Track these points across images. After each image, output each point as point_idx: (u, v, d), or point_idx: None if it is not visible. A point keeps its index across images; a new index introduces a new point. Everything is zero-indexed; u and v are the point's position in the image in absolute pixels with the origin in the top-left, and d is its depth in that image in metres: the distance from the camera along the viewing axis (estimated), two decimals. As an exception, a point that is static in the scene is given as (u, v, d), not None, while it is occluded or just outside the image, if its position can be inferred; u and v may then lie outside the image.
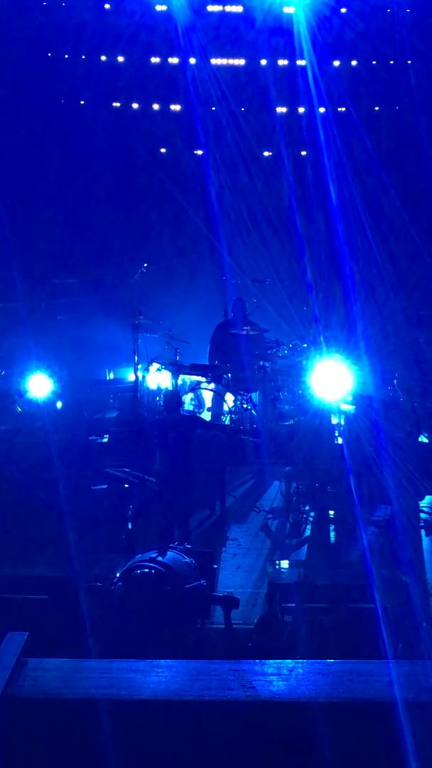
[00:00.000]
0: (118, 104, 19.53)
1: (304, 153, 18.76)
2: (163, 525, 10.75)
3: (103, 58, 18.88)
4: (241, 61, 18.80)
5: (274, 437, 13.99)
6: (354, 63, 18.75)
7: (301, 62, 18.04)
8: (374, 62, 18.75)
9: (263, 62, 18.65)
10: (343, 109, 18.64)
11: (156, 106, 19.67)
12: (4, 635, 6.95)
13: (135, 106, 19.61)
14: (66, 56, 18.80)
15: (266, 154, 19.54)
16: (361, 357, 14.74)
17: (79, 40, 18.28)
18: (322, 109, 18.59)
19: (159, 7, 17.54)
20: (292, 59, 18.26)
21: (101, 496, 11.93)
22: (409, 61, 18.35)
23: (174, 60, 18.71)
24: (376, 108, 19.30)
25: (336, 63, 18.61)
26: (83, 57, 18.85)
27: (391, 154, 18.60)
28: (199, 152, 19.07)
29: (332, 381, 13.51)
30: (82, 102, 19.20)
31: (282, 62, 18.62)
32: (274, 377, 14.64)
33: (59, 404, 14.86)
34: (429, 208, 18.20)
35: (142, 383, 14.94)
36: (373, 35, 18.09)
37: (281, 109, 19.18)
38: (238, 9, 17.88)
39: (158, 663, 6.71)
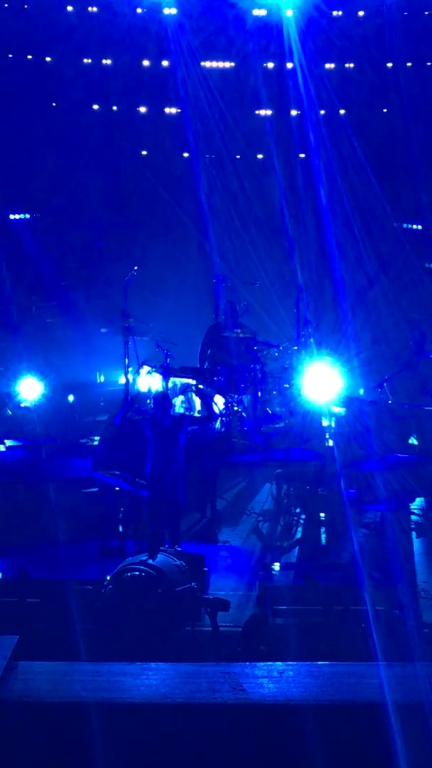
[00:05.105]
0: (107, 107, 19.52)
1: (294, 156, 18.76)
2: (153, 528, 10.75)
3: (87, 60, 18.82)
4: (231, 64, 18.80)
5: (265, 440, 14.02)
6: (347, 66, 18.78)
7: (289, 65, 18.05)
8: (366, 66, 18.77)
9: (254, 65, 18.66)
10: (335, 112, 18.66)
11: (143, 109, 19.64)
12: (-5, 638, 6.94)
13: (123, 109, 19.60)
14: (48, 59, 18.77)
15: (257, 156, 19.54)
16: (352, 359, 14.80)
17: (63, 43, 18.26)
18: (323, 112, 18.62)
19: (140, 10, 17.58)
20: (282, 62, 18.28)
21: (92, 498, 11.94)
22: (409, 63, 18.39)
23: (165, 63, 18.73)
24: (368, 111, 19.33)
25: (330, 66, 18.63)
26: (70, 60, 18.82)
27: (382, 158, 18.63)
28: (187, 155, 19.08)
29: (323, 383, 13.56)
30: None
31: (271, 65, 18.63)
32: (265, 380, 14.65)
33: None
34: (419, 212, 18.24)
35: (132, 386, 14.95)
36: (365, 39, 18.12)
37: (271, 112, 19.19)
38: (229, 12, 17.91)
39: (148, 666, 6.70)
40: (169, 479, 10.71)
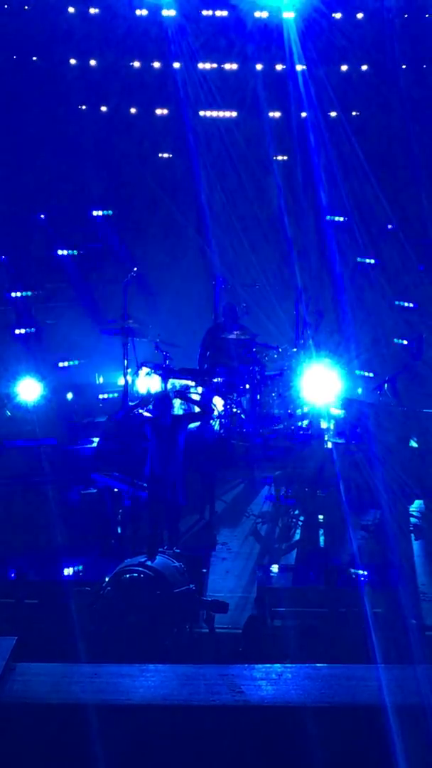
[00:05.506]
0: (108, 108, 19.50)
1: (294, 157, 18.75)
2: (152, 529, 10.74)
3: (73, 61, 18.79)
4: (234, 66, 18.77)
5: (264, 441, 14.02)
6: (362, 68, 18.77)
7: (299, 67, 18.04)
8: (366, 67, 18.76)
9: (257, 66, 18.64)
10: (340, 113, 18.63)
11: (134, 110, 19.59)
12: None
13: (122, 110, 19.56)
14: (47, 60, 18.74)
15: (259, 158, 19.52)
16: (351, 361, 14.81)
17: (65, 44, 18.26)
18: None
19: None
20: (284, 63, 18.26)
21: (91, 500, 11.93)
22: (403, 66, 18.36)
23: (164, 64, 18.72)
24: (368, 113, 19.31)
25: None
26: (70, 61, 18.81)
27: (381, 158, 18.61)
28: (187, 156, 19.06)
29: (322, 385, 13.57)
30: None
31: (277, 67, 18.60)
32: (264, 381, 14.65)
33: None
34: (419, 213, 18.22)
35: (131, 387, 14.94)
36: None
37: (272, 114, 19.17)
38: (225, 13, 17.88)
39: (147, 667, 6.70)
40: (168, 480, 10.70)
